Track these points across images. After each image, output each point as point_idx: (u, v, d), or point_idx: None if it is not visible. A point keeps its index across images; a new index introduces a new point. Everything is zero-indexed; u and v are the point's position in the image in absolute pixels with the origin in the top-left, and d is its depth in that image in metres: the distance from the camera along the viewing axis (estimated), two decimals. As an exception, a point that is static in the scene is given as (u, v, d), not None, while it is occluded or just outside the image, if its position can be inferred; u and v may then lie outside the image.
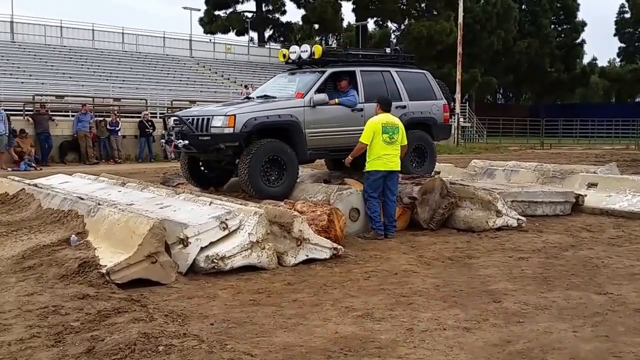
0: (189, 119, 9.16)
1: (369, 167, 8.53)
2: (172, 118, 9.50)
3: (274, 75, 12.08)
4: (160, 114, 25.45)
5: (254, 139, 8.93)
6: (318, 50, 9.99)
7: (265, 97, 9.95)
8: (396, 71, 10.52)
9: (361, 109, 9.76)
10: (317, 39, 58.07)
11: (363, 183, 9.11)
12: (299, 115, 9.22)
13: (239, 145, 8.88)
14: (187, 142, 8.97)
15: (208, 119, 8.89)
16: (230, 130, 8.69)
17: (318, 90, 9.49)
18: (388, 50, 11.20)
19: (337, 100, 9.66)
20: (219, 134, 8.75)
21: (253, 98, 10.30)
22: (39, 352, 4.16)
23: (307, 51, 10.12)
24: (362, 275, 6.48)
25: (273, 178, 9.01)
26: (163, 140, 9.94)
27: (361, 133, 8.62)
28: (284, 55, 10.65)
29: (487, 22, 53.37)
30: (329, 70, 9.85)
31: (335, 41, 63.14)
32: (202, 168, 10.08)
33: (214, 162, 9.85)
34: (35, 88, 26.55)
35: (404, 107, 10.27)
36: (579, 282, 6.17)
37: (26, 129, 20.45)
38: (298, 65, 10.70)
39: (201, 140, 8.90)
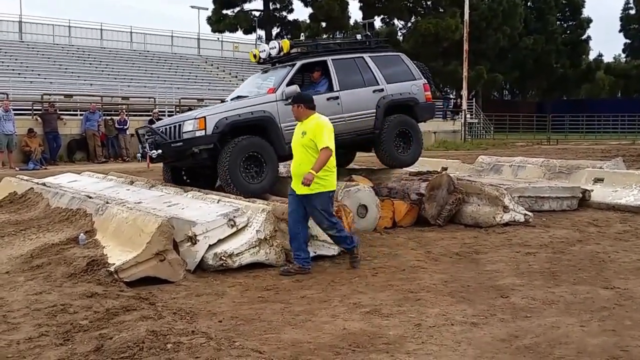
0: (160, 128, 9.04)
1: (330, 185, 6.62)
2: (145, 130, 9.38)
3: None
4: (169, 112, 25.47)
5: (228, 139, 8.70)
6: (285, 44, 9.81)
7: (239, 97, 9.83)
8: (369, 56, 10.24)
9: (337, 97, 9.54)
10: (325, 36, 57.92)
11: (369, 180, 9.12)
12: (273, 110, 8.98)
13: (214, 147, 8.63)
14: (160, 151, 8.78)
15: (179, 125, 8.70)
16: (202, 132, 8.49)
17: (289, 83, 9.21)
18: (359, 36, 11.11)
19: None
20: (191, 138, 8.53)
21: (227, 101, 10.13)
22: (47, 350, 4.19)
23: (275, 47, 9.96)
24: (370, 271, 6.50)
25: (254, 174, 8.76)
26: (139, 154, 9.91)
27: (340, 122, 8.38)
28: (255, 56, 10.44)
29: (493, 19, 53.11)
30: (299, 63, 9.64)
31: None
32: (185, 177, 9.88)
33: (198, 169, 9.66)
34: (44, 87, 26.56)
35: (382, 90, 9.97)
36: (586, 277, 6.16)
37: (35, 128, 20.53)
38: (271, 63, 10.48)
39: (174, 147, 8.68)
